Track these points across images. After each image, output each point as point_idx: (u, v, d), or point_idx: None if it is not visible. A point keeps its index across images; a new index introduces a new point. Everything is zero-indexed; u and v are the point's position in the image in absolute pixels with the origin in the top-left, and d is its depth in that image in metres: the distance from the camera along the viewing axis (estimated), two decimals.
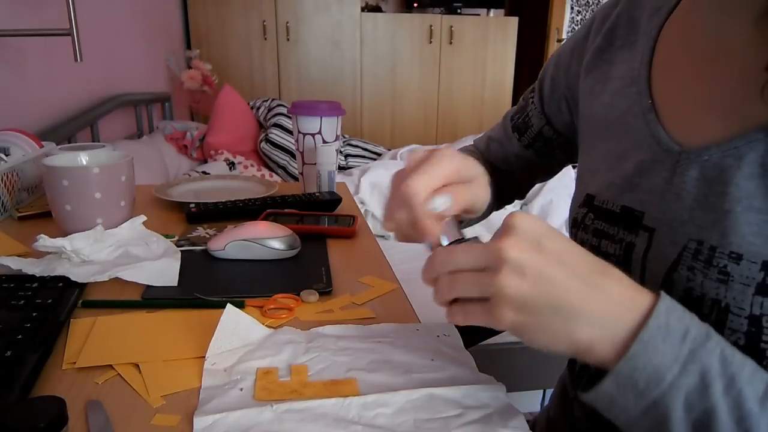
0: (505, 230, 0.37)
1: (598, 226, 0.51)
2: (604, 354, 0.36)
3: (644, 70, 0.50)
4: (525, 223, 0.36)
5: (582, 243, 0.53)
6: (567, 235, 0.57)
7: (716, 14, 0.43)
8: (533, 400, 1.49)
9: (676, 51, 0.48)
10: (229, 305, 0.55)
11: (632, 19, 0.54)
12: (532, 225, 0.36)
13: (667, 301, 0.36)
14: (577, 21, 4.23)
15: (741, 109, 0.42)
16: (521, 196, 0.77)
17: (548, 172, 0.73)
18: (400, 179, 0.45)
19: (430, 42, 3.43)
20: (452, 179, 0.45)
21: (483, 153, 0.75)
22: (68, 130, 1.56)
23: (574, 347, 0.36)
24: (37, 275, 0.63)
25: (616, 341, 0.35)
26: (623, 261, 0.48)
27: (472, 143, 0.78)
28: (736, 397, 0.34)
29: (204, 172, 2.07)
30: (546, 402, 1.31)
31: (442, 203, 0.43)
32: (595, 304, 0.35)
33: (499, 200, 0.74)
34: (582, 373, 0.59)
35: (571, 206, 0.58)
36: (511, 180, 0.73)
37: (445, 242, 0.44)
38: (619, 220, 0.49)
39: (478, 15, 3.60)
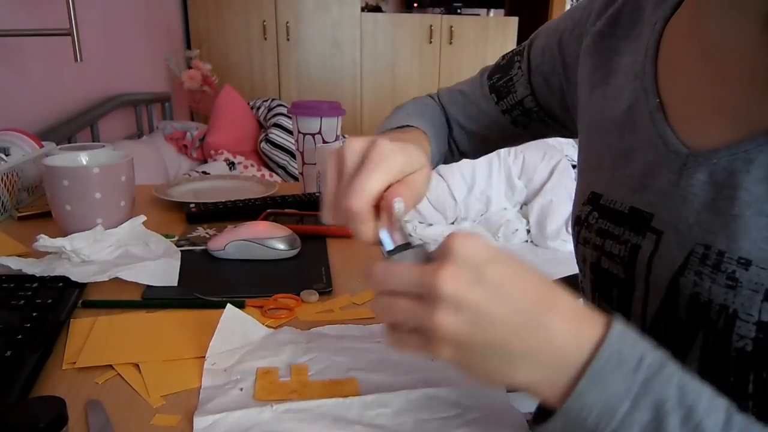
0: (444, 255, 0.33)
1: (602, 226, 0.50)
2: (547, 394, 0.34)
3: (650, 66, 0.48)
4: (465, 248, 0.33)
5: (585, 242, 0.52)
6: (570, 234, 0.56)
7: (724, 14, 0.42)
8: (533, 400, 1.49)
9: (682, 49, 0.47)
10: (229, 305, 0.55)
11: (637, 8, 0.53)
12: (472, 249, 0.33)
13: (619, 327, 0.33)
14: None
15: (750, 111, 0.41)
16: (472, 157, 0.72)
17: (514, 141, 0.69)
18: (341, 172, 0.41)
19: (430, 42, 3.43)
20: (396, 179, 0.41)
21: (445, 106, 0.70)
22: (68, 130, 1.56)
23: (512, 387, 0.35)
24: (37, 275, 0.63)
25: (559, 382, 0.33)
26: (628, 263, 0.47)
27: (436, 93, 0.73)
28: (695, 428, 0.31)
29: (204, 172, 2.07)
30: None
31: (398, 209, 0.39)
32: (536, 345, 0.33)
33: (446, 156, 0.71)
34: None
35: (574, 203, 0.57)
36: (467, 138, 0.69)
37: (388, 245, 0.40)
38: (625, 221, 0.48)
39: (478, 15, 3.59)
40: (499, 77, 0.66)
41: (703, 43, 0.45)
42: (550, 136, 0.68)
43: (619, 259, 0.48)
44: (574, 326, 0.33)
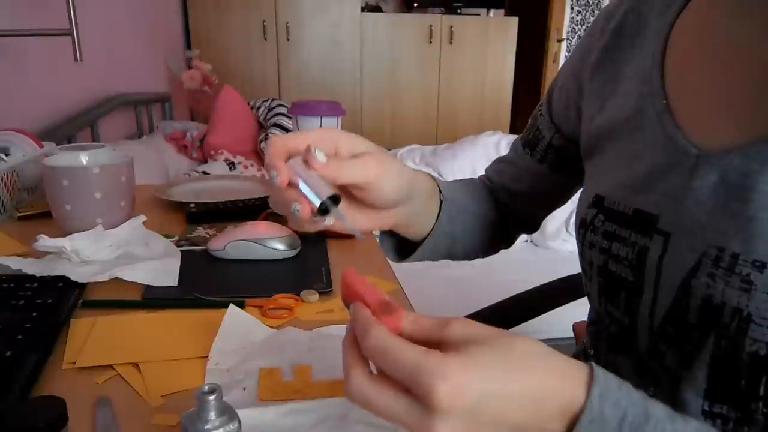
0: (429, 410, 0.30)
1: (608, 228, 0.50)
2: None
3: (656, 70, 0.48)
4: (450, 397, 0.29)
5: (591, 245, 0.52)
6: (570, 234, 0.56)
7: (733, 15, 0.42)
8: None
9: (690, 51, 0.47)
10: (231, 305, 0.55)
11: (640, 16, 0.53)
12: (457, 396, 0.29)
13: (600, 385, 0.31)
14: (577, 21, 4.22)
15: (762, 113, 0.40)
16: (529, 229, 0.73)
17: (563, 192, 0.70)
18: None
19: (430, 42, 3.43)
20: (324, 143, 0.42)
21: (491, 179, 0.72)
22: (68, 130, 1.56)
23: None
24: (37, 275, 0.63)
25: None
26: (636, 265, 0.47)
27: (483, 173, 0.75)
28: None
29: (204, 172, 2.07)
30: None
31: (315, 154, 0.40)
32: None
33: (500, 236, 0.70)
34: None
35: (578, 206, 0.57)
36: (521, 201, 0.70)
37: (313, 198, 0.40)
38: (631, 223, 0.47)
39: (478, 15, 3.60)
40: (528, 133, 0.68)
41: (713, 45, 0.44)
42: None
43: (627, 261, 0.48)
44: (568, 414, 0.31)
